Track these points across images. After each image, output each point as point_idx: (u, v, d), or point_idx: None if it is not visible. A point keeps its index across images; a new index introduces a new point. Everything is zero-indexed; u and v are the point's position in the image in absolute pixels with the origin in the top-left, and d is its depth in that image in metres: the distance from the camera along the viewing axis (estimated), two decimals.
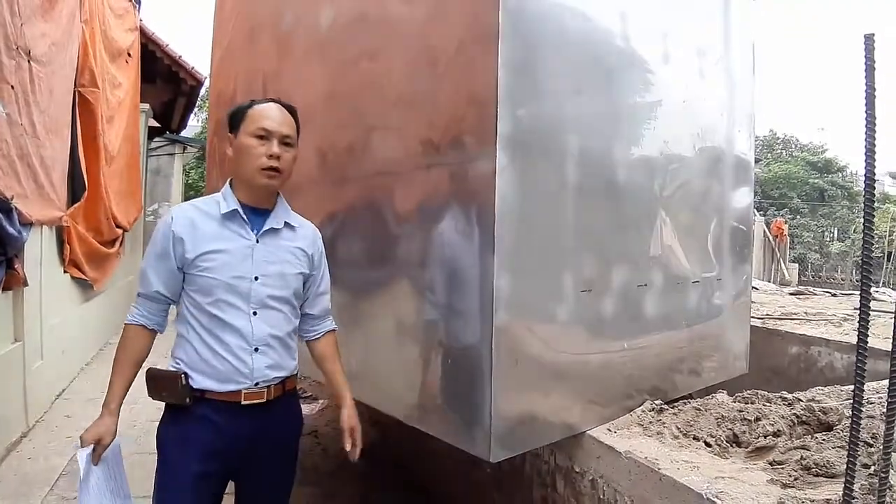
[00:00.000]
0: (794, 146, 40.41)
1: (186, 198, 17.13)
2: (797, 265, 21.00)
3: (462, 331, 2.24)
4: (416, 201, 2.45)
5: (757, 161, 24.69)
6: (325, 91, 3.09)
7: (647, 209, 2.70)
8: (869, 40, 1.44)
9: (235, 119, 2.00)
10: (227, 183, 2.04)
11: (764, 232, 18.43)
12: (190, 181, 19.16)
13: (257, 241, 1.97)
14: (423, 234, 2.38)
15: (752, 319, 5.93)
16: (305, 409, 4.08)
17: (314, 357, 2.22)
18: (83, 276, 6.44)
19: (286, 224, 2.05)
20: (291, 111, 2.04)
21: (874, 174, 1.48)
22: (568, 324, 2.37)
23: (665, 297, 2.79)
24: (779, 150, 40.34)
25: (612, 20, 2.50)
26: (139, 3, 8.42)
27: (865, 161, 1.47)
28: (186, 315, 1.97)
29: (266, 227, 2.00)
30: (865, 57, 1.43)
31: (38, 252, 5.13)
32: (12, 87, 4.39)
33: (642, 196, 2.68)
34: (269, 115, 1.96)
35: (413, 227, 2.45)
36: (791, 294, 8.34)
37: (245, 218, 1.98)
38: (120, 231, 7.66)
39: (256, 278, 1.95)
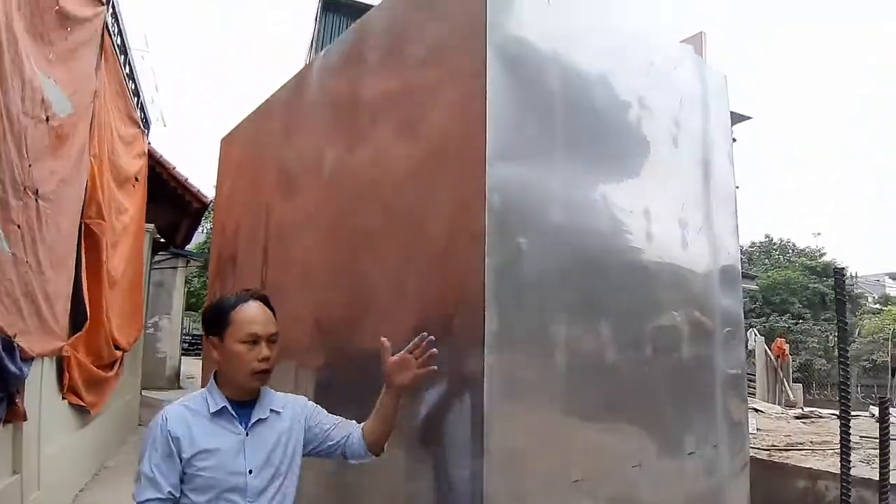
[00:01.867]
0: (791, 251, 40.91)
1: (188, 307, 17.23)
2: (801, 385, 20.78)
3: None
4: (408, 395, 2.47)
5: (752, 277, 24.67)
6: (325, 247, 3.19)
7: (638, 385, 2.73)
8: (839, 274, 1.51)
9: (218, 324, 2.04)
10: (213, 377, 2.08)
11: (765, 352, 18.30)
12: (192, 289, 19.28)
13: (247, 434, 2.01)
14: (414, 424, 2.39)
15: (757, 451, 5.83)
16: None
17: (372, 435, 2.16)
18: (81, 403, 6.39)
19: (271, 410, 2.08)
20: (268, 302, 2.11)
21: (848, 400, 1.52)
22: None
23: (660, 473, 2.76)
24: (776, 256, 40.79)
25: (594, 207, 2.62)
26: (148, 128, 8.71)
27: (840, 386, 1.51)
28: None
29: (254, 420, 2.03)
30: (836, 291, 1.49)
31: (38, 382, 5.11)
32: (18, 226, 4.49)
33: (632, 373, 2.71)
34: (255, 318, 2.02)
35: (403, 413, 2.46)
36: (797, 418, 8.24)
37: (234, 413, 2.01)
38: (119, 353, 7.65)
39: (251, 471, 1.97)
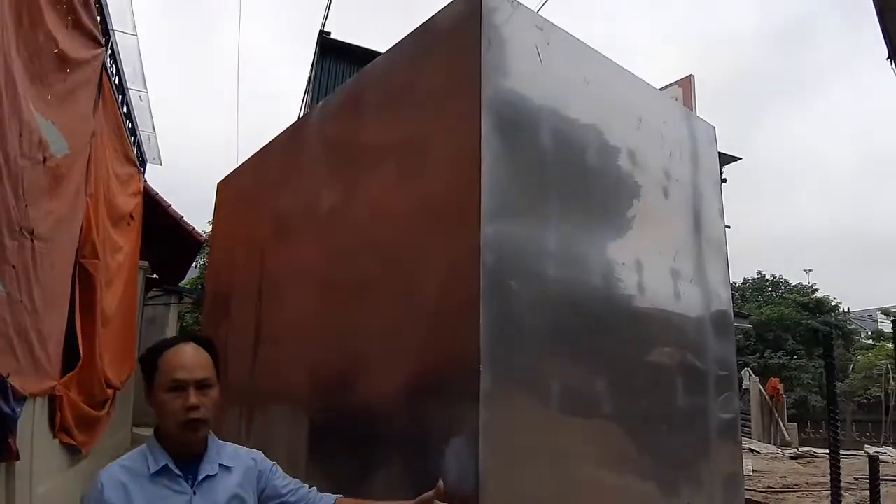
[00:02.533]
0: (783, 287, 41.13)
1: None
2: (796, 424, 20.74)
3: None
4: (402, 446, 2.45)
5: (745, 316, 24.86)
6: (319, 296, 3.20)
7: (634, 437, 2.73)
8: (826, 337, 1.54)
9: (147, 370, 1.92)
10: (153, 433, 1.96)
11: (760, 391, 18.31)
12: (185, 325, 19.16)
13: (194, 493, 1.87)
14: (409, 482, 2.36)
15: (753, 493, 5.83)
16: None
17: None
18: (72, 442, 6.33)
19: (221, 466, 1.95)
20: (207, 346, 1.98)
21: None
22: None
23: None
24: (769, 292, 41.01)
25: (588, 261, 2.66)
26: (144, 166, 8.75)
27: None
28: None
29: (201, 476, 1.90)
30: (825, 356, 1.52)
31: (31, 422, 5.08)
32: (14, 266, 4.50)
33: (628, 425, 2.71)
34: (181, 362, 1.88)
35: (398, 469, 2.44)
36: (792, 458, 8.24)
37: (177, 471, 1.87)
38: (111, 391, 7.59)
39: None
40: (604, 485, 2.58)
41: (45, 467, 5.52)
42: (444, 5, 2.64)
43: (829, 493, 5.66)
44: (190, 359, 1.90)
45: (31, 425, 5.11)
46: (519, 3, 2.60)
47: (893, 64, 3.80)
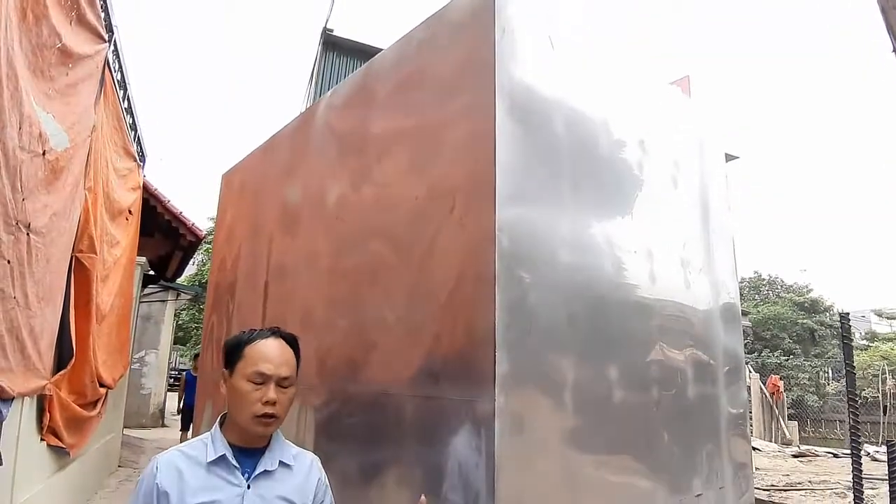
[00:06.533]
0: (779, 287, 41.43)
1: (175, 340, 17.00)
2: (797, 423, 20.72)
3: None
4: (415, 430, 2.43)
5: (745, 314, 24.99)
6: (328, 284, 3.19)
7: (646, 426, 2.72)
8: (845, 319, 1.50)
9: (232, 356, 1.89)
10: (218, 422, 1.91)
11: (760, 389, 18.28)
12: (180, 322, 19.10)
13: (248, 487, 1.81)
14: (421, 468, 2.35)
15: (758, 491, 5.84)
16: None
17: None
18: (60, 444, 6.18)
19: (281, 463, 1.89)
20: (292, 343, 1.93)
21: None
22: None
23: None
24: (765, 291, 41.29)
25: (600, 247, 2.65)
26: (144, 161, 8.66)
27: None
28: None
29: (259, 470, 1.84)
30: (843, 335, 1.49)
31: (17, 424, 4.95)
32: (8, 261, 4.42)
33: (639, 414, 2.70)
34: (267, 355, 1.85)
35: (410, 455, 2.42)
36: (794, 456, 8.28)
37: (235, 462, 1.82)
38: (104, 390, 7.47)
39: None
40: (615, 474, 2.56)
41: (29, 472, 5.32)
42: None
43: (831, 491, 5.71)
44: (278, 354, 1.87)
45: (18, 427, 4.96)
46: None
47: None
